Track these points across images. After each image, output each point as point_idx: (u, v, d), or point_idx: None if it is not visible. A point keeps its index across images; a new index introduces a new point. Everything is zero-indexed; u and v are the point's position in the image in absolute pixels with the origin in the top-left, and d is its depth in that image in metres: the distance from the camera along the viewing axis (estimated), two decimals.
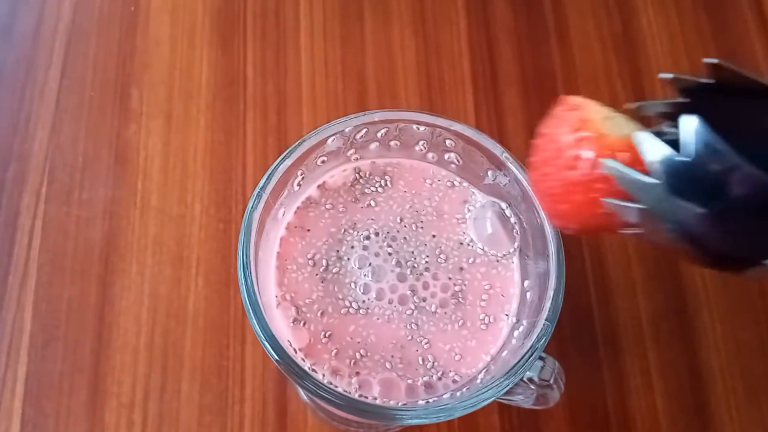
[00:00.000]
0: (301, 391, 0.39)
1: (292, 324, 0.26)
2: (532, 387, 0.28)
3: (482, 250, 0.28)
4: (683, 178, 0.17)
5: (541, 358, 0.27)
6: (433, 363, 0.27)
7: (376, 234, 0.29)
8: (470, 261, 0.28)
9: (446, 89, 0.47)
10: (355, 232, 0.29)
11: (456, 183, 0.30)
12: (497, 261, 0.28)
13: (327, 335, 0.27)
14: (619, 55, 0.49)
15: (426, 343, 0.27)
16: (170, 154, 0.44)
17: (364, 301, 0.28)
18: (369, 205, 0.29)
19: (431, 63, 0.48)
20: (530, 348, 0.24)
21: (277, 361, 0.24)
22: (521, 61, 0.48)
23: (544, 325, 0.24)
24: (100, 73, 0.46)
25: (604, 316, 0.42)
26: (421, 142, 0.29)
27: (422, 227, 0.29)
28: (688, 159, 0.17)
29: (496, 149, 0.28)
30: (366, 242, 0.28)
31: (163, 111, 0.45)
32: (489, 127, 0.46)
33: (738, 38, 0.50)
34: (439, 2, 0.50)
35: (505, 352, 0.26)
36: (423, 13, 0.49)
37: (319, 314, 0.27)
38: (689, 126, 0.17)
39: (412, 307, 0.27)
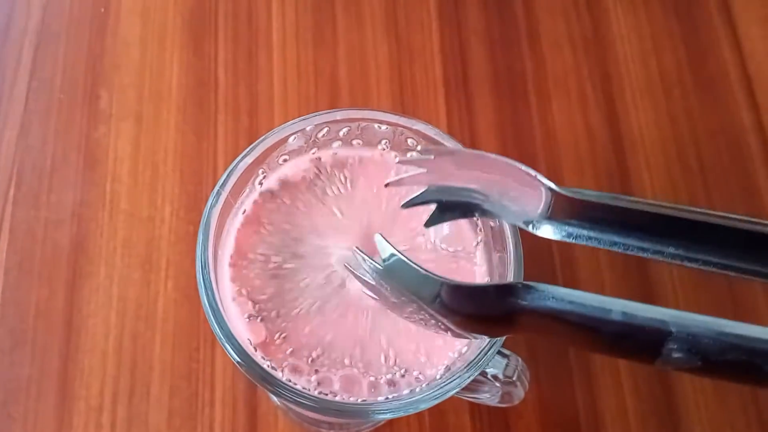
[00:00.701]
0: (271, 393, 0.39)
1: (248, 320, 0.26)
2: (497, 384, 0.28)
3: (443, 246, 0.29)
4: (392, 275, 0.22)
5: (505, 355, 0.27)
6: (395, 360, 0.27)
7: (336, 231, 0.29)
8: (434, 256, 0.28)
9: (418, 91, 0.48)
10: (315, 231, 0.29)
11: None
12: (460, 256, 0.28)
13: (282, 335, 0.27)
14: (589, 58, 0.49)
15: (386, 342, 0.27)
16: (140, 156, 0.44)
17: (321, 299, 0.27)
18: (331, 207, 0.29)
19: (403, 65, 0.48)
20: (489, 341, 0.24)
21: (238, 362, 0.24)
22: (493, 63, 0.49)
23: None
24: (70, 74, 0.46)
25: None
26: (383, 141, 0.29)
27: (384, 223, 0.29)
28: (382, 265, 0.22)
29: (457, 147, 0.28)
30: (326, 241, 0.28)
31: (133, 113, 0.45)
32: (461, 128, 0.46)
33: (708, 41, 0.50)
34: (411, 5, 0.50)
35: (468, 350, 0.27)
36: (395, 16, 0.49)
37: (273, 312, 0.27)
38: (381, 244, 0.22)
39: (372, 304, 0.27)
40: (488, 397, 0.31)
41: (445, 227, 0.29)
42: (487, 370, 0.27)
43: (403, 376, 0.26)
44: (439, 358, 0.27)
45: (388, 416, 0.24)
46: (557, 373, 0.41)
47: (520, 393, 0.28)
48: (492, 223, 0.27)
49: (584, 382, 0.41)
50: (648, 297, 0.43)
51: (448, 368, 0.26)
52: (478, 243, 0.29)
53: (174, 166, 0.44)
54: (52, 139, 0.44)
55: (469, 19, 0.50)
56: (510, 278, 0.25)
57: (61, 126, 0.45)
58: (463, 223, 0.28)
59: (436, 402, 0.25)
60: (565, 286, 0.42)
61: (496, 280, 0.27)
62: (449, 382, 0.24)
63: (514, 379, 0.27)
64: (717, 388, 0.41)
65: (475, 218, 0.28)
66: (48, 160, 0.44)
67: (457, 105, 0.47)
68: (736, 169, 0.46)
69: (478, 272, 0.28)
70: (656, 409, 0.40)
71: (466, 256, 0.28)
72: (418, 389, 0.26)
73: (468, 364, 0.25)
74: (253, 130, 0.45)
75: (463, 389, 0.31)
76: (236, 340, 0.24)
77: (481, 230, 0.28)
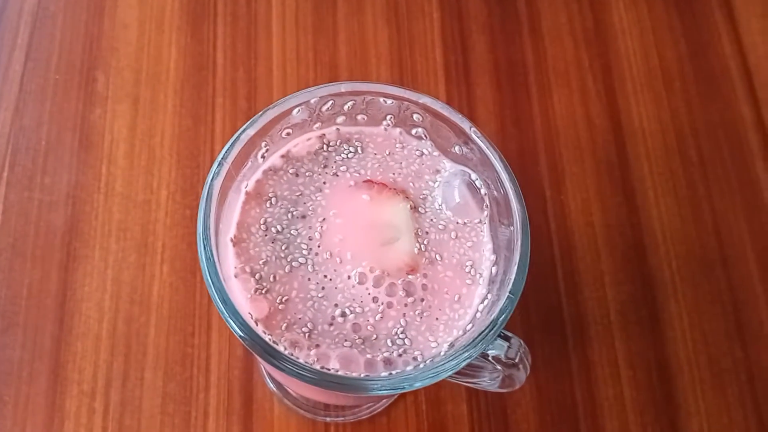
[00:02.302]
0: (268, 379, 0.39)
1: (250, 296, 0.26)
2: (499, 368, 0.27)
3: (452, 217, 0.28)
4: None
5: (507, 338, 0.27)
6: (398, 338, 0.26)
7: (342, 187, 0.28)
8: (440, 227, 0.28)
9: (419, 79, 0.47)
10: (320, 198, 0.28)
11: (426, 152, 0.30)
12: (467, 229, 0.28)
13: (284, 299, 0.26)
14: (590, 50, 0.49)
15: (394, 321, 0.27)
16: (136, 138, 0.44)
17: (326, 276, 0.27)
18: (336, 173, 0.29)
19: (404, 53, 0.48)
20: (492, 321, 0.24)
21: (241, 337, 0.24)
22: (494, 52, 0.48)
23: (507, 298, 0.24)
24: (66, 55, 0.45)
25: (573, 306, 0.42)
26: (388, 117, 0.29)
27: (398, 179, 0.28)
28: None
29: (464, 123, 0.28)
30: (332, 211, 0.28)
31: (130, 95, 0.45)
32: None
33: (708, 35, 0.50)
34: None
35: (472, 327, 0.26)
36: (396, 3, 0.49)
37: (277, 285, 0.26)
38: None
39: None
40: (489, 382, 0.31)
41: (456, 195, 0.28)
42: (489, 352, 0.27)
43: (400, 355, 0.26)
44: (443, 333, 0.27)
45: (384, 392, 0.24)
46: (555, 363, 0.41)
47: (521, 376, 0.28)
48: (497, 195, 0.27)
49: (582, 372, 0.40)
50: (647, 286, 0.43)
51: (452, 345, 0.26)
52: (483, 220, 0.28)
53: (170, 150, 0.43)
54: (47, 120, 0.44)
55: (471, 8, 0.50)
56: (517, 256, 0.25)
57: (56, 107, 0.44)
58: (469, 197, 0.28)
59: (433, 380, 0.24)
60: (564, 276, 0.42)
61: (502, 259, 0.27)
62: (447, 362, 0.24)
63: (517, 361, 0.27)
64: (715, 378, 0.41)
65: (483, 194, 0.28)
66: (42, 142, 0.43)
67: (457, 94, 0.47)
68: (736, 162, 0.46)
69: (485, 248, 0.28)
70: (654, 400, 0.40)
71: (474, 229, 0.28)
72: (415, 367, 0.25)
73: (467, 344, 0.24)
74: (251, 115, 0.44)
75: (463, 374, 0.31)
76: (240, 316, 0.23)
77: (487, 206, 0.28)
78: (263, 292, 0.26)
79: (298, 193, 0.28)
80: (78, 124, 0.44)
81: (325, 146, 0.29)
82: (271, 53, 0.47)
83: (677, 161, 0.46)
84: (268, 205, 0.28)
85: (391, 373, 0.25)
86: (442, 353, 0.26)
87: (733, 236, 0.45)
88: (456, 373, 0.32)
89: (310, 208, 0.28)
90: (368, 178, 0.29)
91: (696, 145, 0.47)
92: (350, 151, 0.29)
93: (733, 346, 0.42)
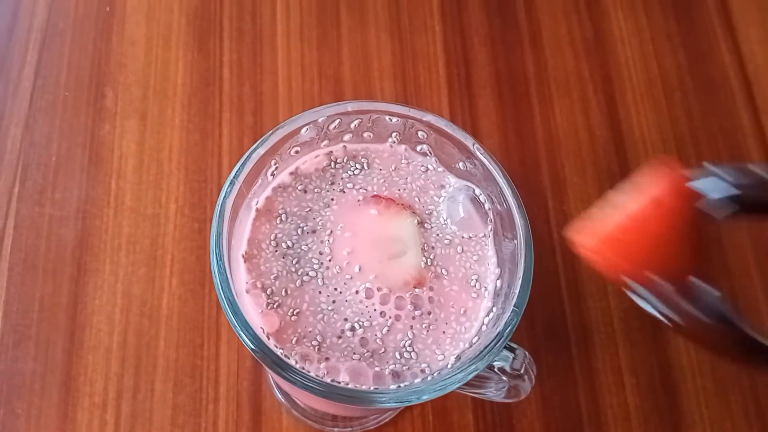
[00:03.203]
0: (276, 390, 0.39)
1: (261, 311, 0.26)
2: (504, 378, 0.28)
3: (457, 232, 0.29)
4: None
5: (512, 349, 0.27)
6: (406, 351, 0.27)
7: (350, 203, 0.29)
8: (446, 242, 0.29)
9: (422, 92, 0.48)
10: (328, 213, 0.29)
11: (431, 167, 0.31)
12: (472, 243, 0.29)
13: (295, 313, 0.27)
14: (590, 60, 0.50)
15: (401, 334, 0.27)
16: (145, 153, 0.44)
17: (336, 289, 0.28)
18: (344, 189, 0.30)
19: (407, 66, 0.48)
20: (497, 334, 0.25)
21: (253, 350, 0.24)
22: (495, 64, 0.49)
23: (512, 311, 0.25)
24: (75, 72, 0.46)
25: (576, 315, 0.42)
26: (393, 134, 0.30)
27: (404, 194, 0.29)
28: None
29: (468, 140, 0.28)
30: (340, 225, 0.29)
31: (138, 111, 0.45)
32: (463, 129, 0.47)
33: (707, 44, 0.51)
34: (414, 7, 0.50)
35: (478, 340, 0.27)
36: (399, 17, 0.50)
37: (288, 299, 0.27)
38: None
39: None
40: (494, 392, 0.31)
41: (461, 210, 0.29)
42: (495, 364, 0.27)
43: (408, 368, 0.26)
44: (449, 349, 0.27)
45: (391, 405, 0.24)
46: (560, 371, 0.41)
47: (527, 387, 0.29)
48: (501, 210, 0.28)
49: (586, 381, 0.41)
50: None
51: (458, 357, 0.26)
52: (487, 234, 0.29)
53: (179, 164, 0.44)
54: (57, 136, 0.44)
55: (472, 21, 0.50)
56: (521, 270, 0.25)
57: (66, 123, 0.45)
58: (473, 212, 0.29)
59: (441, 393, 0.25)
60: (567, 285, 0.43)
61: (506, 273, 0.27)
62: (453, 375, 0.24)
63: (522, 372, 0.27)
64: (718, 386, 0.41)
65: (487, 209, 0.29)
66: (53, 157, 0.44)
67: (460, 106, 0.48)
68: None
69: (490, 262, 0.28)
70: (658, 407, 0.41)
71: (479, 243, 0.29)
72: (422, 380, 0.26)
73: (474, 357, 0.25)
74: (257, 129, 0.45)
75: (469, 385, 0.32)
76: (252, 329, 0.24)
77: (491, 221, 0.29)
78: (275, 306, 0.27)
79: (307, 209, 0.29)
80: (87, 140, 0.44)
81: (332, 163, 0.30)
82: (276, 68, 0.47)
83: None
84: (278, 221, 0.28)
85: (399, 386, 0.26)
86: (449, 366, 0.26)
87: (734, 243, 0.45)
88: (464, 384, 0.32)
89: (319, 224, 0.29)
90: (375, 193, 0.29)
91: (696, 153, 0.47)
92: (357, 168, 0.30)
93: None
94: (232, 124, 0.46)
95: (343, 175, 0.30)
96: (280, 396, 0.39)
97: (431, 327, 0.27)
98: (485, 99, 0.48)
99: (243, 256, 0.27)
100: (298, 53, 0.48)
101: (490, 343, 0.25)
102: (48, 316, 0.40)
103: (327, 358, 0.26)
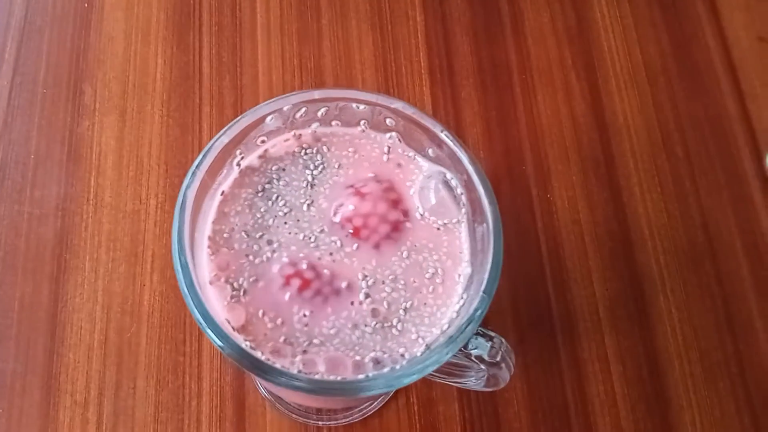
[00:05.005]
0: (259, 385, 0.39)
1: (226, 303, 0.26)
2: (483, 367, 0.28)
3: (429, 218, 0.28)
4: None
5: (489, 337, 0.27)
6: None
7: (323, 201, 0.28)
8: (422, 226, 0.28)
9: (404, 83, 0.48)
10: (301, 200, 0.28)
11: (400, 151, 0.30)
12: (446, 229, 0.28)
13: (263, 312, 0.26)
14: (573, 48, 0.49)
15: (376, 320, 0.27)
16: (124, 149, 0.44)
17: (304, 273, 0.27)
18: (313, 173, 0.29)
19: (388, 57, 0.48)
20: (468, 318, 0.24)
21: (220, 346, 0.24)
22: (477, 54, 0.49)
23: (480, 297, 0.24)
24: (53, 69, 0.46)
25: (562, 304, 0.42)
26: (362, 122, 0.29)
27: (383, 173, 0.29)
28: None
29: (436, 127, 0.28)
30: (310, 211, 0.28)
31: (117, 107, 0.45)
32: (446, 119, 0.46)
33: (691, 30, 0.50)
34: None
35: (453, 323, 0.26)
36: (380, 8, 0.49)
37: (252, 279, 0.27)
38: None
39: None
40: (474, 381, 0.31)
41: (432, 197, 0.28)
42: (472, 352, 0.27)
43: (387, 354, 0.26)
44: (423, 333, 0.27)
45: (373, 392, 0.24)
46: (545, 360, 0.41)
47: (505, 375, 0.28)
48: (472, 196, 0.27)
49: (572, 369, 0.41)
50: (635, 282, 0.43)
51: (428, 347, 0.26)
52: (460, 219, 0.28)
53: (159, 160, 0.44)
54: (36, 134, 0.44)
55: (453, 11, 0.50)
56: (489, 256, 0.25)
57: (44, 121, 0.44)
58: (447, 198, 0.28)
59: (420, 375, 0.24)
60: (552, 274, 0.42)
61: (478, 259, 0.27)
62: (429, 358, 0.24)
63: (499, 359, 0.27)
64: (706, 372, 0.41)
65: (459, 194, 0.28)
66: (31, 155, 0.43)
67: (442, 96, 0.47)
68: (721, 156, 0.47)
69: (463, 247, 0.28)
70: (645, 394, 0.40)
71: (453, 228, 0.28)
72: (399, 366, 0.26)
73: (446, 341, 0.25)
74: None
75: (451, 375, 0.31)
76: (215, 322, 0.23)
77: (464, 205, 0.28)
78: (239, 299, 0.26)
79: (275, 195, 0.29)
80: (66, 137, 0.44)
81: (302, 148, 0.30)
82: (256, 61, 0.47)
83: (663, 157, 0.46)
84: (245, 209, 0.28)
85: (370, 375, 0.25)
86: (424, 349, 0.26)
87: (720, 230, 0.45)
88: (443, 374, 0.32)
89: (289, 210, 0.28)
90: (345, 178, 0.29)
91: (681, 140, 0.47)
92: (326, 152, 0.29)
93: (723, 339, 0.42)
94: (213, 118, 0.45)
95: (315, 159, 0.29)
96: (263, 391, 0.39)
97: (408, 312, 0.27)
98: (468, 89, 0.48)
99: (207, 248, 0.27)
100: (279, 46, 0.47)
101: (461, 325, 0.24)
102: (28, 315, 0.40)
103: (304, 351, 0.26)
